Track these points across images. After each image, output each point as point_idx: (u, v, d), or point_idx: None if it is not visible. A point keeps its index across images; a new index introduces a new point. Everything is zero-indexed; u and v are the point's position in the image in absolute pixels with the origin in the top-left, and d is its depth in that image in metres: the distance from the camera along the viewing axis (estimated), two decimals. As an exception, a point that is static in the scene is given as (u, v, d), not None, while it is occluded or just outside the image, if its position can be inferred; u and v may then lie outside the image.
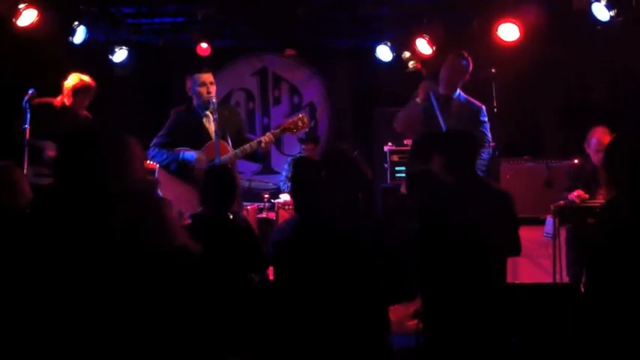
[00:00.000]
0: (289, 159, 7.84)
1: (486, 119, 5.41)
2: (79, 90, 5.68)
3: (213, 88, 5.40)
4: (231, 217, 3.83)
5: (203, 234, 2.01)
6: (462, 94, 5.45)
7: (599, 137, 5.40)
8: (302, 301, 3.00)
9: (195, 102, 5.48)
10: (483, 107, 5.42)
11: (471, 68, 5.40)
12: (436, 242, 3.56)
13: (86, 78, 5.73)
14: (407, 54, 7.33)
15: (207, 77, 5.42)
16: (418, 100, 5.38)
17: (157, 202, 2.09)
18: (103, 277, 1.91)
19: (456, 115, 5.29)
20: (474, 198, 3.61)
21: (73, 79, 5.68)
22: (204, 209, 3.79)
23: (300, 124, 5.46)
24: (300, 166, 3.43)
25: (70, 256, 1.91)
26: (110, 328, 1.89)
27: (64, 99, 5.68)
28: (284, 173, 7.72)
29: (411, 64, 7.17)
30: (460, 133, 4.25)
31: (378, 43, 7.83)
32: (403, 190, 5.43)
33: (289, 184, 7.45)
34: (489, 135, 5.41)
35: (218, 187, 3.83)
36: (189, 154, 5.29)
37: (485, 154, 5.31)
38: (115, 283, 1.91)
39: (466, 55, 5.42)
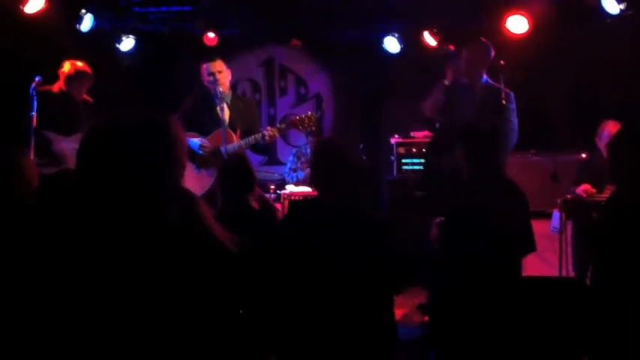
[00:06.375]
0: (294, 150, 7.82)
1: (515, 107, 5.26)
2: (72, 77, 5.64)
3: (220, 77, 5.41)
4: (254, 205, 3.83)
5: (230, 227, 2.00)
6: (489, 80, 5.35)
7: (611, 130, 5.35)
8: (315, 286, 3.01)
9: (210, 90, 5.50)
10: (512, 94, 5.26)
11: (492, 53, 5.30)
12: (451, 235, 3.56)
13: (79, 64, 5.68)
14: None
15: (214, 66, 5.44)
16: (446, 81, 5.26)
17: (196, 198, 2.02)
18: (152, 271, 1.83)
19: (481, 102, 5.19)
20: (490, 192, 3.60)
21: (66, 67, 5.65)
22: (225, 202, 3.79)
23: (307, 122, 5.47)
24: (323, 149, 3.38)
25: (122, 251, 1.83)
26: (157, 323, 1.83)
27: (61, 86, 5.66)
28: (289, 164, 7.70)
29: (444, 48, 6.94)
30: (484, 126, 4.21)
31: (385, 34, 7.80)
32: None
33: (294, 175, 7.46)
34: (516, 123, 5.25)
35: (236, 177, 3.83)
36: (194, 142, 5.30)
37: (511, 143, 5.22)
38: (163, 277, 1.84)
39: (484, 40, 5.35)
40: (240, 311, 2.13)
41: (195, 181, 5.16)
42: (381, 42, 7.84)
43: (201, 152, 5.30)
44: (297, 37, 8.14)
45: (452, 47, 6.60)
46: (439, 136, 5.50)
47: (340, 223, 3.04)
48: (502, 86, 5.15)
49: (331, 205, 3.11)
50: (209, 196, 4.87)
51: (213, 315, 1.92)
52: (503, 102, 5.11)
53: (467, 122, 4.66)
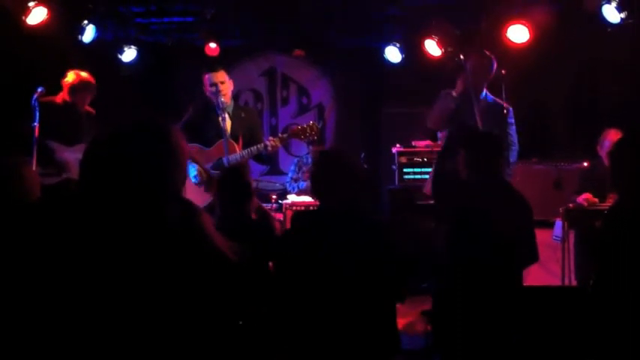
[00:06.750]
0: (296, 160, 7.83)
1: (514, 121, 5.30)
2: (77, 87, 5.64)
3: (223, 87, 5.40)
4: (253, 216, 3.85)
5: (228, 237, 2.02)
6: (489, 94, 5.37)
7: (612, 139, 5.34)
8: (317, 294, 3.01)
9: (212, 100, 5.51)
10: (511, 109, 5.28)
11: (495, 67, 5.31)
12: (454, 242, 3.56)
13: (84, 74, 5.68)
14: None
15: (217, 77, 5.43)
16: (454, 93, 5.26)
17: (198, 208, 2.04)
18: (152, 275, 1.86)
19: (484, 116, 5.18)
20: (492, 199, 3.60)
21: (70, 77, 5.65)
22: (224, 214, 3.81)
23: (309, 131, 5.48)
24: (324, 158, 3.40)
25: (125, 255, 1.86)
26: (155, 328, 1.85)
27: (64, 96, 5.66)
28: (290, 174, 7.71)
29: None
30: (486, 133, 4.22)
31: (387, 43, 7.82)
32: (427, 190, 5.39)
33: (295, 184, 7.47)
34: (516, 137, 5.29)
35: (233, 187, 3.84)
36: (193, 173, 5.31)
37: (512, 157, 5.24)
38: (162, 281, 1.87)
39: (488, 53, 5.36)
40: (240, 320, 2.15)
41: (196, 194, 5.16)
42: (382, 50, 7.87)
43: (196, 180, 5.31)
44: (298, 45, 8.16)
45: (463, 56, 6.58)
46: (447, 142, 5.50)
47: (341, 225, 3.05)
48: (502, 99, 5.18)
49: (331, 208, 3.12)
50: (210, 208, 4.87)
51: (213, 320, 1.93)
52: (505, 112, 5.13)
53: (468, 129, 4.66)
